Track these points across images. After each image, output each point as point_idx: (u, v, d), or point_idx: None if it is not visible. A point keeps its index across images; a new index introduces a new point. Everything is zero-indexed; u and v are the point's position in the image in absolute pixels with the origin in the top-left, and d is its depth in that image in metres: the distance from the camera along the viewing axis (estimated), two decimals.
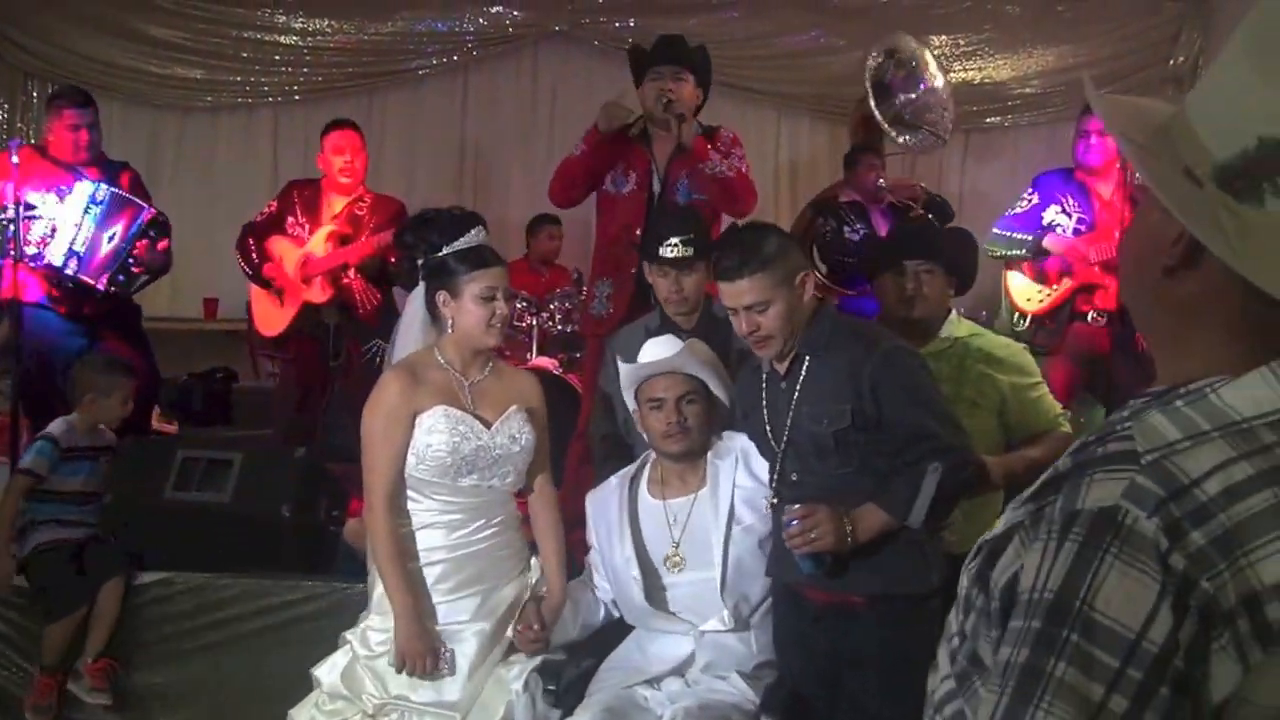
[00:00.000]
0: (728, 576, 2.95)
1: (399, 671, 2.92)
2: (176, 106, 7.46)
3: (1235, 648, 0.97)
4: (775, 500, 2.86)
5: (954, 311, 3.34)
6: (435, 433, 2.91)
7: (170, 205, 5.32)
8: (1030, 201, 5.01)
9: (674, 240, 3.44)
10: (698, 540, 3.01)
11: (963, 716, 1.16)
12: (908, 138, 5.83)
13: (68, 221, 4.82)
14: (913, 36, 5.99)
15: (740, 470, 3.03)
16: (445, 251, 2.95)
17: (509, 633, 2.99)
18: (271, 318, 5.03)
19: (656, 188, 4.35)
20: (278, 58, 7.45)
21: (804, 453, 2.82)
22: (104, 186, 4.87)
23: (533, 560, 3.13)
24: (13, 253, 4.69)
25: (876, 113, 5.69)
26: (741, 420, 3.08)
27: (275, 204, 5.10)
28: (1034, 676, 0.99)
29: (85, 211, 4.83)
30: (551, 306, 5.80)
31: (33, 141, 6.53)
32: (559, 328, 5.80)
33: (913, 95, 5.87)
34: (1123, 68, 7.48)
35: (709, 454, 3.08)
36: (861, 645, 2.78)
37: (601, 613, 3.20)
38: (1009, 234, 5.00)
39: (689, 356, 3.02)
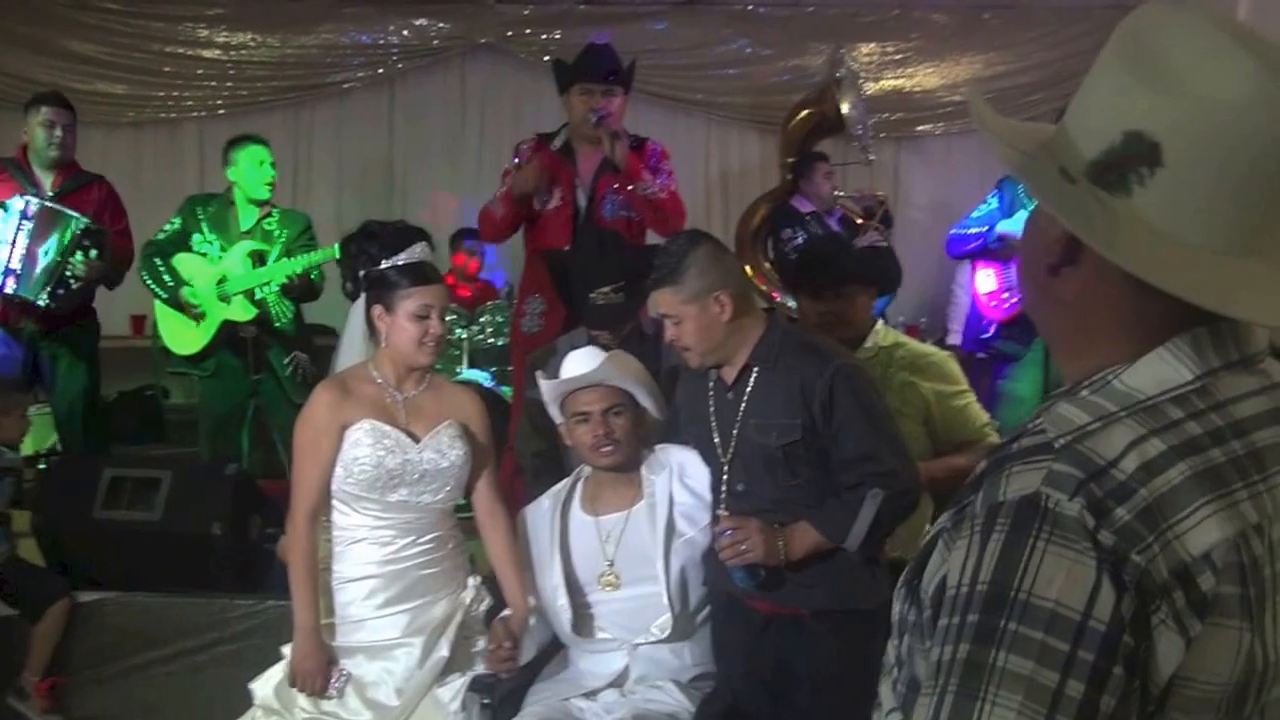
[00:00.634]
0: (672, 588, 2.94)
1: (290, 686, 2.95)
2: (100, 123, 7.38)
3: (1175, 620, 0.98)
4: (724, 511, 2.86)
5: (880, 322, 3.40)
6: (361, 446, 2.92)
7: None
8: (990, 206, 5.14)
9: (604, 289, 3.46)
10: (634, 555, 2.99)
11: None
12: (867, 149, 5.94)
13: (3, 240, 4.83)
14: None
15: (676, 484, 3.01)
16: (385, 265, 2.96)
17: (443, 651, 2.99)
18: (186, 336, 5.02)
19: (582, 203, 4.43)
20: (201, 72, 7.43)
21: (751, 464, 2.83)
22: (34, 201, 4.86)
23: (469, 580, 3.13)
24: None
25: (858, 127, 5.74)
26: (686, 425, 3.06)
27: (179, 221, 5.06)
28: (976, 670, 0.98)
29: (18, 228, 4.82)
30: (482, 320, 5.85)
31: None
32: (489, 341, 5.85)
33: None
34: (1052, 75, 7.61)
35: (643, 468, 3.06)
36: (808, 658, 2.81)
37: (550, 631, 3.17)
38: (964, 231, 5.16)
39: (612, 369, 2.99)
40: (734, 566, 2.74)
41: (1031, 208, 1.22)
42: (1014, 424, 5.01)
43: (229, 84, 7.47)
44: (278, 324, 5.02)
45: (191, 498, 4.22)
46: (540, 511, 3.14)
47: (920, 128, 7.73)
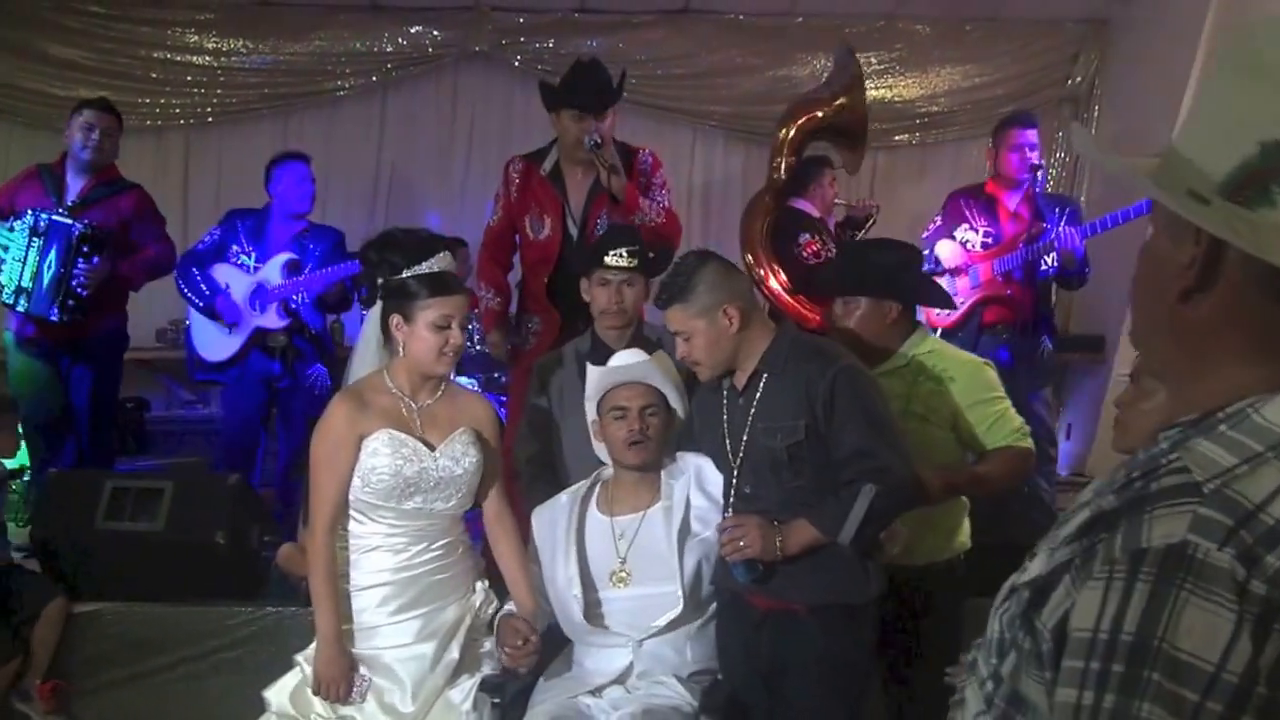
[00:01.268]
0: (686, 585, 3.06)
1: (314, 694, 2.97)
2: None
3: None
4: (730, 513, 2.99)
5: (920, 329, 3.39)
6: (379, 455, 2.95)
7: None
8: (935, 223, 5.25)
9: (621, 250, 3.57)
10: (647, 555, 3.11)
11: None
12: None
13: (16, 258, 4.86)
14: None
15: (694, 488, 3.14)
16: (407, 274, 2.97)
17: (453, 654, 3.04)
18: (217, 343, 5.13)
19: (573, 230, 4.48)
20: (189, 79, 7.28)
21: (758, 467, 2.96)
22: (44, 215, 4.88)
23: (478, 584, 3.17)
24: None
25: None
26: (699, 435, 3.19)
27: (218, 231, 5.21)
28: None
29: (28, 245, 4.85)
30: (471, 327, 5.86)
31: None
32: (477, 348, 5.88)
33: None
34: (1025, 87, 7.69)
35: (663, 472, 3.18)
36: (801, 651, 2.93)
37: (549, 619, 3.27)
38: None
39: (656, 367, 3.14)
40: (734, 562, 2.86)
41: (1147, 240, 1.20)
42: None
43: (218, 91, 7.33)
44: (308, 334, 5.13)
45: (194, 507, 4.25)
46: (557, 507, 3.24)
47: (898, 137, 7.75)
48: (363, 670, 3.00)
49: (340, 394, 3.09)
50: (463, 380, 5.62)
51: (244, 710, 3.18)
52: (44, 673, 3.99)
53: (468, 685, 3.03)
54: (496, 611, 3.17)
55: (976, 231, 5.13)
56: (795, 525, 2.86)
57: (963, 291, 5.10)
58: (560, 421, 3.64)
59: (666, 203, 4.51)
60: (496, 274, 4.67)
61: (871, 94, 7.32)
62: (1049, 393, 5.61)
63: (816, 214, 5.75)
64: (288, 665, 3.13)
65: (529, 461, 3.65)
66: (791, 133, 5.66)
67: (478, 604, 3.15)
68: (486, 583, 3.21)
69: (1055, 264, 5.07)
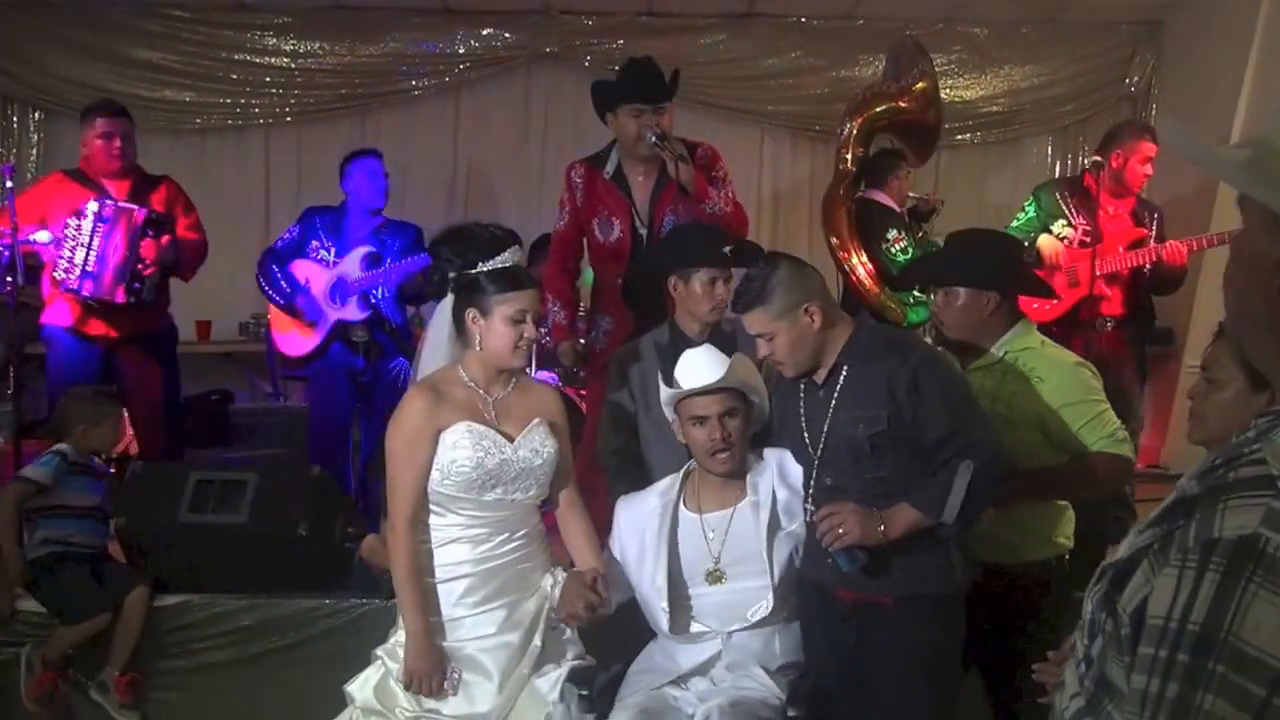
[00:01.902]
0: (777, 577, 2.98)
1: (406, 689, 2.89)
2: (166, 129, 7.29)
3: None
4: (813, 507, 2.89)
5: (1022, 324, 3.19)
6: (460, 448, 2.88)
7: None
8: (1028, 215, 5.05)
9: (725, 248, 3.53)
10: (738, 551, 3.02)
11: None
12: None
13: (81, 244, 4.78)
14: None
15: (777, 481, 3.06)
16: (480, 269, 2.91)
17: (536, 643, 2.96)
18: (298, 339, 5.04)
19: (641, 230, 4.36)
20: (268, 80, 7.33)
21: (839, 458, 2.87)
22: (108, 202, 4.82)
23: (547, 575, 3.08)
24: (9, 278, 4.66)
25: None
26: (777, 430, 3.11)
27: (297, 229, 5.11)
28: (1184, 711, 0.97)
29: (94, 231, 4.78)
30: (548, 319, 5.78)
31: (11, 163, 6.43)
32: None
33: None
34: (1083, 87, 7.68)
35: (746, 468, 3.10)
36: (887, 643, 2.83)
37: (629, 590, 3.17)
38: None
39: (737, 373, 3.03)
40: (835, 551, 2.74)
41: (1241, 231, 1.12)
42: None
43: (296, 91, 7.37)
44: (389, 327, 5.02)
45: (277, 499, 4.10)
46: (648, 508, 3.15)
47: (959, 137, 7.67)
48: (453, 663, 2.91)
49: (415, 387, 3.02)
50: (543, 375, 5.54)
51: (327, 703, 3.08)
52: (124, 664, 3.89)
53: (554, 675, 2.95)
54: None
55: (1075, 229, 4.93)
56: (897, 509, 2.75)
57: (1060, 288, 4.91)
58: (642, 413, 3.57)
59: (731, 194, 4.37)
60: (563, 285, 4.54)
61: None
62: (1142, 390, 5.43)
63: (895, 208, 5.65)
64: (370, 658, 3.04)
65: (614, 454, 3.58)
66: (857, 127, 5.61)
67: (549, 589, 3.06)
68: (560, 569, 3.12)
69: (1150, 270, 4.93)
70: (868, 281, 5.40)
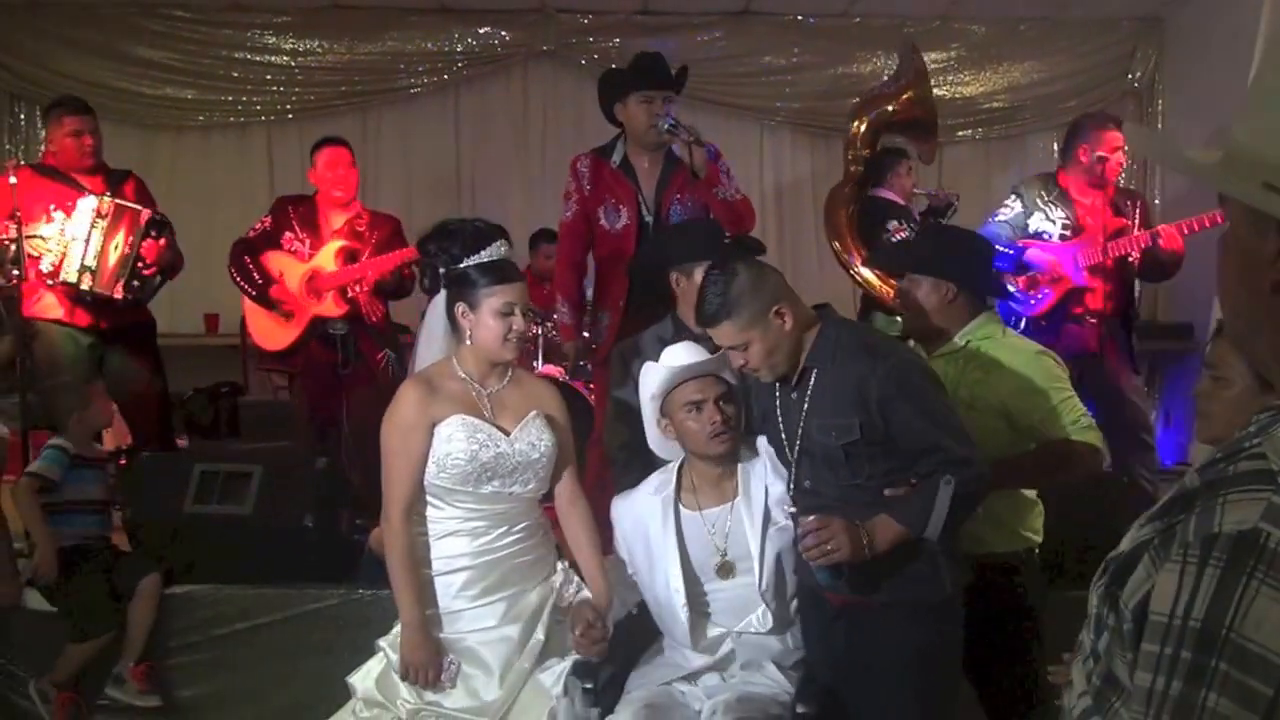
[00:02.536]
0: (765, 578, 2.90)
1: (403, 680, 2.87)
2: (169, 126, 7.38)
3: None
4: (794, 510, 2.81)
5: (985, 315, 3.20)
6: (454, 441, 2.86)
7: None
8: (1012, 209, 5.01)
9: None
10: (741, 545, 2.95)
11: None
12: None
13: (77, 238, 4.76)
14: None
15: (769, 473, 2.97)
16: (466, 263, 2.91)
17: (539, 636, 2.94)
18: (275, 333, 4.93)
19: (648, 218, 4.33)
20: (269, 77, 7.38)
21: (815, 462, 2.80)
22: (106, 199, 4.81)
23: (558, 565, 3.07)
24: (16, 273, 4.64)
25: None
26: (759, 426, 3.03)
27: (269, 220, 4.96)
28: (1187, 710, 0.96)
29: (92, 226, 4.76)
30: (555, 318, 5.78)
31: (21, 162, 6.44)
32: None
33: None
34: (1085, 83, 7.69)
35: (739, 461, 3.01)
36: (876, 646, 2.77)
37: (624, 608, 3.11)
38: (995, 239, 5.04)
39: (723, 360, 2.94)
40: (819, 566, 2.66)
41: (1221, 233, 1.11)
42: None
43: (296, 89, 7.42)
44: (369, 321, 4.92)
45: (282, 491, 4.10)
46: (647, 507, 3.04)
47: (960, 134, 7.70)
48: (450, 654, 2.90)
49: (409, 380, 3.01)
50: (550, 369, 5.53)
51: (333, 693, 3.07)
52: (138, 654, 3.88)
53: (558, 669, 2.92)
54: (578, 591, 3.06)
55: (1054, 221, 4.92)
56: (880, 522, 2.65)
57: (1042, 280, 4.89)
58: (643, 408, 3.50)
59: (738, 186, 4.38)
60: (572, 285, 4.50)
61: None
62: (1141, 381, 5.39)
63: (901, 203, 5.68)
64: (375, 649, 3.03)
65: (621, 448, 3.52)
66: (863, 127, 5.62)
67: (557, 584, 3.05)
68: (566, 563, 3.10)
69: (1138, 259, 4.88)
70: (876, 282, 5.40)
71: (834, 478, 2.76)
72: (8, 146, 7.29)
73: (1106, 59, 7.65)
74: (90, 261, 4.75)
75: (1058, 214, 4.90)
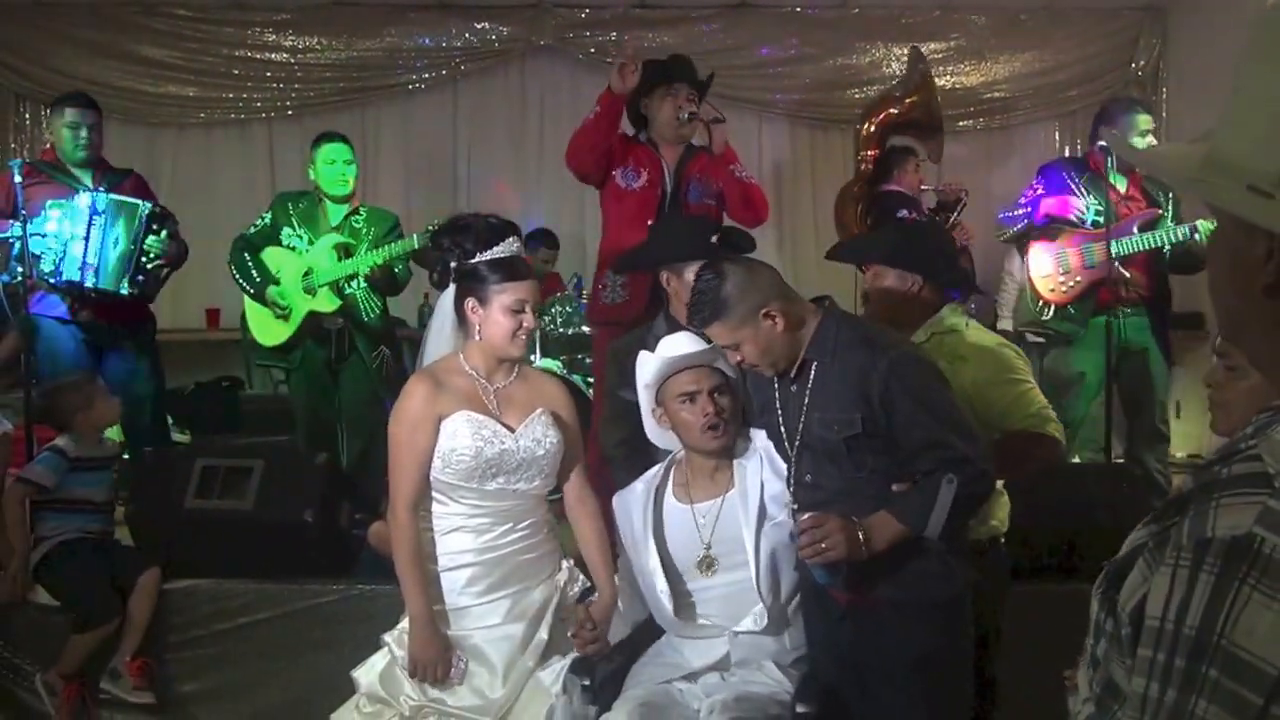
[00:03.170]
0: (761, 574, 2.85)
1: (411, 676, 2.85)
2: (171, 124, 7.41)
3: None
4: (795, 505, 2.79)
5: (945, 309, 3.20)
6: (459, 437, 2.84)
7: None
8: (1036, 192, 5.01)
9: (712, 238, 3.44)
10: (729, 540, 2.90)
11: None
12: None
13: (76, 235, 4.76)
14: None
15: (765, 468, 2.92)
16: (478, 259, 2.88)
17: (542, 635, 2.92)
18: (272, 327, 4.94)
19: (668, 187, 4.34)
20: (269, 74, 7.42)
21: (817, 456, 2.76)
22: (102, 195, 4.81)
23: (563, 563, 3.06)
24: (20, 270, 4.63)
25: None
26: (758, 418, 2.99)
27: (269, 215, 4.99)
28: (1180, 717, 0.94)
29: (90, 223, 4.76)
30: (553, 310, 5.82)
31: (28, 160, 6.45)
32: (559, 330, 5.81)
33: None
34: (1087, 72, 7.65)
35: (735, 454, 2.97)
36: (884, 646, 2.72)
37: (646, 608, 3.06)
38: (1012, 212, 5.12)
39: (720, 351, 2.89)
40: (815, 565, 2.63)
41: (1207, 236, 1.11)
42: (1071, 405, 4.74)
43: (296, 85, 7.46)
44: (365, 318, 4.93)
45: (283, 486, 4.09)
46: (634, 496, 3.02)
47: (961, 124, 7.63)
48: (459, 651, 2.88)
49: (417, 375, 2.99)
50: (548, 362, 5.53)
51: (334, 688, 3.06)
52: (135, 648, 3.88)
53: (558, 667, 2.90)
54: (583, 589, 3.05)
55: (1087, 208, 4.92)
56: (878, 521, 2.61)
57: (1075, 265, 4.89)
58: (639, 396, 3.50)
59: (750, 174, 4.48)
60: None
61: None
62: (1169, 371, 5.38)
63: (910, 195, 5.78)
64: (378, 644, 3.01)
65: (619, 445, 3.48)
66: (871, 129, 5.78)
67: (562, 582, 3.03)
68: (571, 561, 3.09)
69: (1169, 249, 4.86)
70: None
71: (836, 471, 2.72)
72: (12, 146, 7.31)
73: (1109, 48, 7.60)
74: (92, 259, 4.76)
75: (1090, 199, 4.91)
